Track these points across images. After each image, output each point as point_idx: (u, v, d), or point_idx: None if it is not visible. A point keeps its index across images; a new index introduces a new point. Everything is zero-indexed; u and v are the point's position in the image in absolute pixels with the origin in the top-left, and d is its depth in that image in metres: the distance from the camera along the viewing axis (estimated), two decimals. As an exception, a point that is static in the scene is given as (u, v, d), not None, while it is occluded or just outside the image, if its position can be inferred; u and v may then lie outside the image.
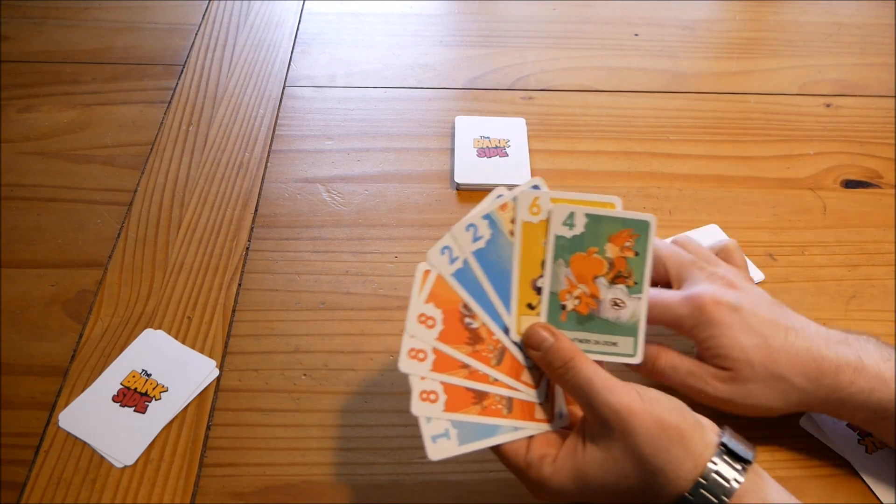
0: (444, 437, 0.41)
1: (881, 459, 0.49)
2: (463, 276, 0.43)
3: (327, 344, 0.55)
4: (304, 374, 0.53)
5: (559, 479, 0.41)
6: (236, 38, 0.81)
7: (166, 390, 0.52)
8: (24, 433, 0.50)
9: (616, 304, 0.43)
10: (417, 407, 0.41)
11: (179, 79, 0.76)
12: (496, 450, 0.43)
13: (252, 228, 0.63)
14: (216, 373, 0.53)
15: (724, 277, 0.49)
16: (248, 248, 0.61)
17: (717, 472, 0.39)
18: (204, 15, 0.84)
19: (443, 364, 0.42)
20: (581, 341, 0.43)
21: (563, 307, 0.43)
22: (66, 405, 0.51)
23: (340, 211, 0.64)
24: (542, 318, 0.43)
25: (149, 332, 0.55)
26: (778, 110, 0.76)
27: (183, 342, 0.55)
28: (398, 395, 0.53)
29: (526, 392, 0.43)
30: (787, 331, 0.46)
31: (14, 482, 0.47)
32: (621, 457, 0.40)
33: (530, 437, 0.43)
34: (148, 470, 0.48)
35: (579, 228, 0.43)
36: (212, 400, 0.52)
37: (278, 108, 0.73)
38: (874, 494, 0.48)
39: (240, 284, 0.59)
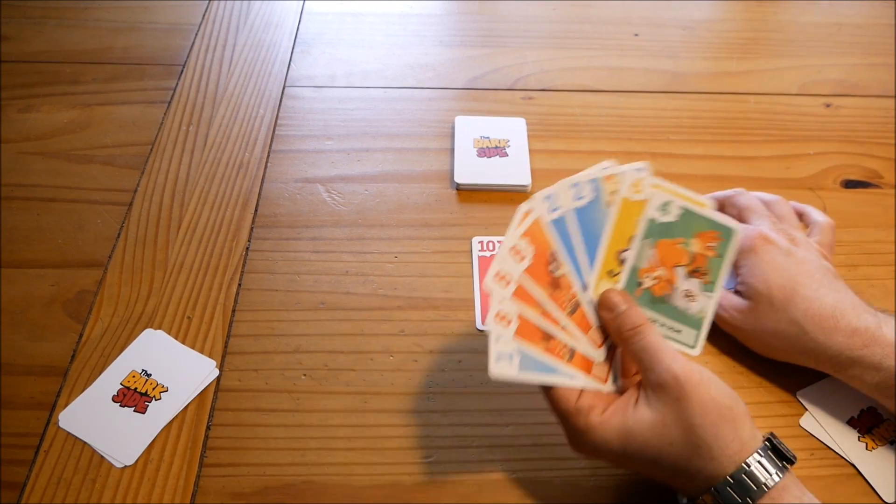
0: (507, 359, 0.43)
1: (882, 457, 0.49)
2: (559, 226, 0.45)
3: (327, 344, 0.55)
4: (304, 374, 0.53)
5: (604, 432, 0.42)
6: (236, 38, 0.81)
7: (166, 390, 0.52)
8: (24, 433, 0.50)
9: (688, 296, 0.46)
10: (492, 324, 0.43)
11: (179, 79, 0.76)
12: (548, 391, 0.44)
13: (252, 228, 0.63)
14: (216, 373, 0.53)
15: (789, 233, 0.50)
16: (248, 248, 0.61)
17: (760, 463, 0.41)
18: (204, 15, 0.84)
19: (522, 296, 0.44)
20: (649, 319, 0.45)
21: (640, 283, 0.46)
22: (66, 405, 0.51)
23: (340, 211, 0.64)
24: (620, 287, 0.46)
25: (149, 332, 0.55)
26: (778, 110, 0.76)
27: (183, 342, 0.55)
28: (398, 395, 0.53)
29: (589, 348, 0.45)
30: (821, 286, 0.48)
31: (14, 482, 0.47)
32: (671, 422, 0.41)
33: (581, 389, 0.44)
34: (148, 470, 0.48)
35: (672, 217, 0.46)
36: (212, 400, 0.52)
37: (278, 108, 0.73)
38: (875, 493, 0.48)
39: (240, 284, 0.59)
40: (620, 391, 0.46)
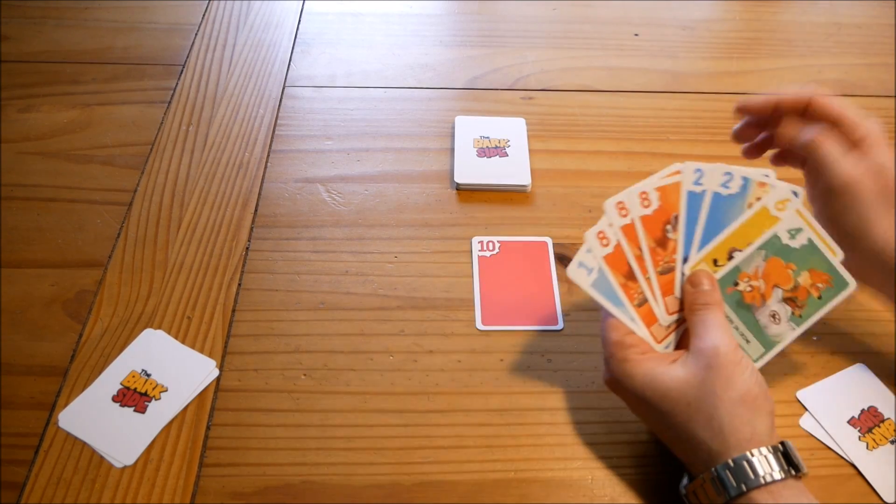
0: (588, 271, 0.46)
1: (882, 457, 0.49)
2: (694, 199, 0.48)
3: (327, 344, 0.55)
4: (304, 374, 0.53)
5: (633, 368, 0.45)
6: (236, 38, 0.81)
7: (166, 390, 0.52)
8: (24, 433, 0.50)
9: (773, 317, 0.48)
10: (591, 236, 0.46)
11: (179, 79, 0.76)
12: (607, 318, 0.47)
13: (252, 228, 0.63)
14: (216, 373, 0.53)
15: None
16: (247, 248, 0.61)
17: (765, 458, 0.41)
18: (204, 15, 0.84)
19: (629, 233, 0.47)
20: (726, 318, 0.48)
21: (736, 284, 0.48)
22: (65, 405, 0.51)
23: (340, 211, 0.64)
24: (716, 277, 0.48)
25: (149, 332, 0.55)
26: (778, 110, 0.76)
27: (183, 342, 0.55)
28: (398, 395, 0.53)
29: (660, 308, 0.48)
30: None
31: (14, 482, 0.47)
32: (696, 384, 0.43)
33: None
34: (148, 470, 0.48)
35: (796, 244, 0.47)
36: (212, 400, 0.52)
37: (278, 108, 0.73)
38: (875, 493, 0.48)
39: (240, 284, 0.59)
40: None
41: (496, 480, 0.49)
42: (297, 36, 0.82)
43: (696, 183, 0.48)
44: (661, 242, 0.48)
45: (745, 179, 0.48)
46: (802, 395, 0.53)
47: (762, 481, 0.40)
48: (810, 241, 0.47)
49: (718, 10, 0.90)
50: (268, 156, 0.69)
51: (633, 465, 0.50)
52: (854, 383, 0.54)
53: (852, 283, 0.47)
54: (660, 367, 0.45)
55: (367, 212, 0.64)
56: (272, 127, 0.71)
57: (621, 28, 0.85)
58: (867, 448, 0.50)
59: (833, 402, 0.52)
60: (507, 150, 0.69)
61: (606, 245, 0.47)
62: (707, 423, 0.42)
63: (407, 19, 0.85)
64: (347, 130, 0.72)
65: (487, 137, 0.70)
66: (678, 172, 0.48)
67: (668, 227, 0.48)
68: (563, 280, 0.60)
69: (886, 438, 0.50)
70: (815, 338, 0.57)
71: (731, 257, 0.48)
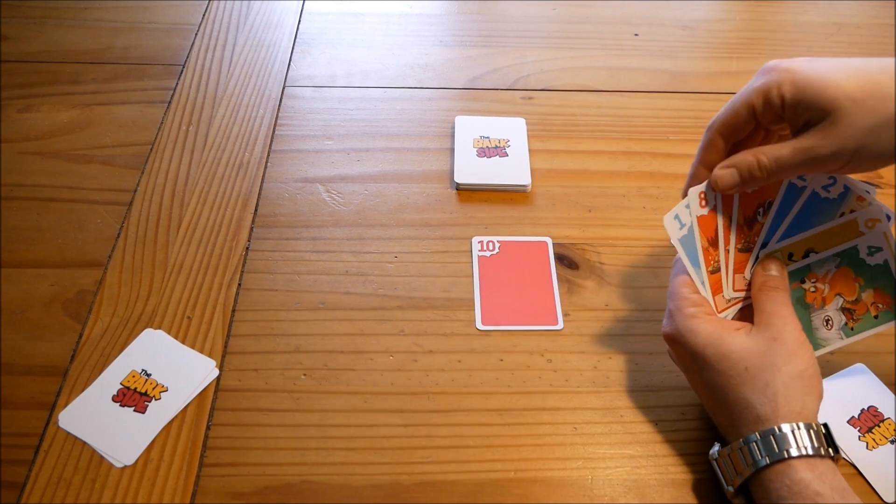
0: (681, 226, 0.48)
1: (882, 457, 0.49)
2: (792, 192, 0.49)
3: (327, 344, 0.55)
4: (304, 374, 0.53)
5: (698, 325, 0.46)
6: (236, 38, 0.81)
7: (166, 390, 0.52)
8: (24, 433, 0.50)
9: (826, 322, 0.50)
10: (693, 193, 0.48)
11: (179, 79, 0.76)
12: (681, 275, 0.48)
13: (252, 228, 0.63)
14: (216, 373, 0.53)
15: None
16: (247, 248, 0.61)
17: (810, 434, 0.42)
18: (204, 15, 0.84)
19: (725, 203, 0.49)
20: None
21: (802, 281, 0.50)
22: (65, 405, 0.51)
23: (340, 211, 0.64)
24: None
25: (149, 331, 0.55)
26: (778, 110, 0.76)
27: (183, 342, 0.55)
28: (398, 395, 0.53)
29: (729, 282, 0.50)
30: (872, 59, 0.43)
31: (14, 482, 0.47)
32: (758, 352, 0.44)
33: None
34: (148, 470, 0.48)
35: (872, 261, 0.49)
36: (211, 400, 0.52)
37: (278, 108, 0.73)
38: (875, 493, 0.48)
39: (240, 284, 0.59)
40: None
41: (496, 480, 0.49)
42: (297, 36, 0.82)
43: (801, 178, 0.49)
44: (749, 223, 0.49)
45: (847, 189, 0.48)
46: (802, 395, 0.53)
47: (804, 452, 0.41)
48: (886, 262, 0.48)
49: (718, 10, 0.90)
50: (268, 156, 0.69)
51: (633, 465, 0.50)
52: (854, 383, 0.54)
53: None
54: (725, 329, 0.46)
55: (367, 212, 0.64)
56: (272, 127, 0.71)
57: (621, 28, 0.85)
58: (867, 448, 0.50)
59: (833, 402, 0.52)
60: (507, 150, 0.69)
61: (703, 207, 0.48)
62: (762, 389, 0.43)
63: (407, 19, 0.85)
64: (347, 130, 0.72)
65: (487, 137, 0.70)
66: None
67: (761, 209, 0.49)
68: (563, 280, 0.60)
69: (886, 438, 0.50)
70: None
71: (806, 256, 0.50)
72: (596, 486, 0.49)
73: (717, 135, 0.47)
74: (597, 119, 0.74)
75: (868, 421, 0.51)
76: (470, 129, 0.71)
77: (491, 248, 0.62)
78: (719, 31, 0.86)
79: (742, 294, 0.50)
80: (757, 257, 0.50)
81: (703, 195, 0.48)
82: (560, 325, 0.57)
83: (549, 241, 0.62)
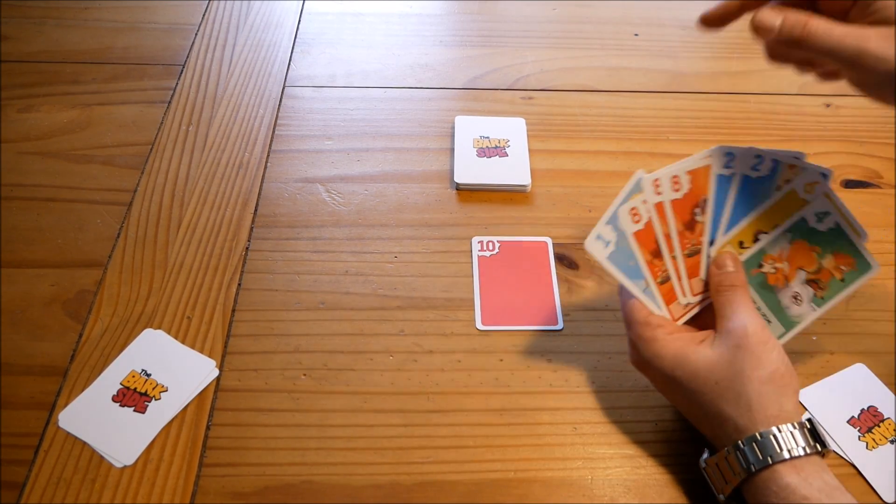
0: (604, 243, 0.46)
1: (882, 457, 0.49)
2: (723, 182, 0.48)
3: (327, 344, 0.55)
4: (304, 374, 0.53)
5: (662, 348, 0.46)
6: (236, 38, 0.81)
7: (166, 390, 0.52)
8: (24, 433, 0.50)
9: (795, 298, 0.49)
10: (624, 210, 0.46)
11: (179, 79, 0.76)
12: (628, 300, 0.47)
13: (252, 228, 0.63)
14: (216, 373, 0.53)
15: None
16: (247, 248, 0.61)
17: (791, 433, 0.42)
18: (204, 15, 0.84)
19: (660, 214, 0.47)
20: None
21: (761, 266, 0.49)
22: (65, 405, 0.51)
23: (340, 211, 0.64)
24: (741, 259, 0.49)
25: (148, 331, 0.55)
26: (778, 110, 0.76)
27: (183, 342, 0.55)
28: (398, 395, 0.53)
29: (683, 288, 0.49)
30: None
31: (14, 482, 0.47)
32: (725, 363, 0.44)
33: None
34: (148, 470, 0.48)
35: (823, 227, 0.48)
36: (211, 400, 0.52)
37: (278, 108, 0.73)
38: (875, 493, 0.48)
39: (239, 284, 0.59)
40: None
41: (496, 480, 0.49)
42: (297, 36, 0.82)
43: (727, 167, 0.48)
44: (690, 226, 0.48)
45: (776, 162, 0.48)
46: (802, 395, 0.53)
47: (787, 455, 0.41)
48: (837, 225, 0.47)
49: (718, 10, 0.90)
50: (268, 156, 0.69)
51: (633, 465, 0.50)
52: (854, 383, 0.54)
53: (876, 265, 0.47)
54: (689, 346, 0.45)
55: (367, 212, 0.64)
56: (272, 127, 0.71)
57: (621, 28, 0.85)
58: (867, 448, 0.50)
59: (833, 402, 0.52)
60: (507, 150, 0.69)
61: (637, 222, 0.47)
62: (735, 400, 0.43)
63: (407, 19, 0.85)
64: (347, 130, 0.72)
65: (487, 137, 0.70)
66: (709, 157, 0.48)
67: (697, 210, 0.48)
68: (563, 280, 0.60)
69: (886, 438, 0.50)
70: (813, 338, 0.57)
71: (756, 240, 0.49)
72: (596, 486, 0.49)
73: None
74: (597, 119, 0.74)
75: (868, 421, 0.51)
76: (470, 129, 0.71)
77: (491, 248, 0.62)
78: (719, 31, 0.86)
79: (700, 296, 0.50)
80: (709, 256, 0.49)
81: (634, 211, 0.46)
82: (560, 325, 0.57)
83: (549, 241, 0.62)
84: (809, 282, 0.49)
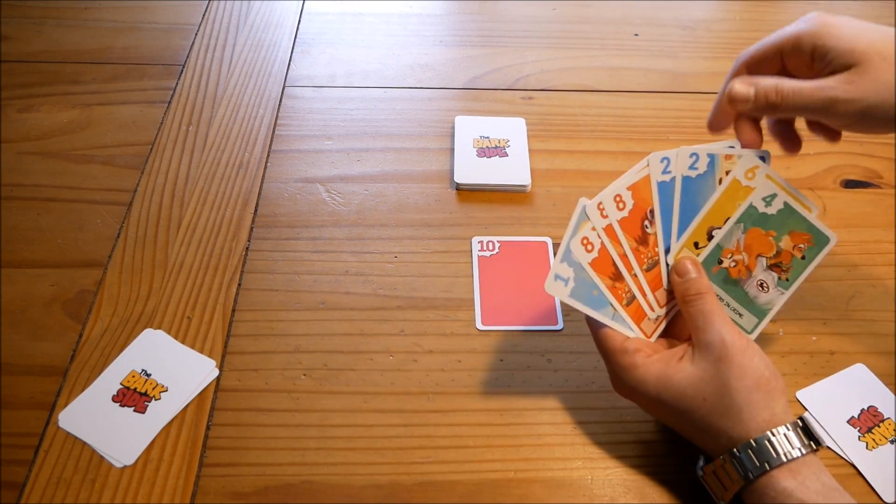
0: (563, 281, 0.45)
1: (882, 457, 0.49)
2: (665, 189, 0.48)
3: (327, 344, 0.55)
4: (304, 374, 0.53)
5: (644, 373, 0.45)
6: (236, 38, 0.81)
7: (166, 390, 0.52)
8: (24, 433, 0.50)
9: (761, 286, 0.48)
10: (575, 243, 0.45)
11: (179, 79, 0.76)
12: (598, 329, 0.47)
13: (252, 228, 0.63)
14: (216, 373, 0.53)
15: None
16: (247, 248, 0.61)
17: (785, 436, 0.42)
18: (204, 15, 0.84)
19: (610, 235, 0.47)
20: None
21: (720, 262, 0.49)
22: (65, 405, 0.51)
23: (340, 211, 0.64)
24: (700, 260, 0.48)
25: (148, 331, 0.55)
26: (778, 110, 0.76)
27: (183, 342, 0.55)
28: (398, 395, 0.53)
29: (650, 303, 0.48)
30: None
31: (14, 482, 0.47)
32: (709, 379, 0.43)
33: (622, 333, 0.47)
34: (148, 470, 0.48)
35: (773, 210, 0.47)
36: (211, 400, 0.52)
37: (278, 108, 0.73)
38: (875, 493, 0.48)
39: (240, 284, 0.59)
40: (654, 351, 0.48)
41: (496, 480, 0.49)
42: (297, 36, 0.82)
43: (665, 172, 0.48)
44: (642, 240, 0.48)
45: (711, 156, 0.48)
46: (802, 395, 0.53)
47: (784, 458, 0.41)
48: (786, 204, 0.47)
49: (718, 10, 0.90)
50: (268, 156, 0.69)
51: (633, 465, 0.50)
52: (854, 383, 0.54)
53: (833, 236, 0.47)
54: (670, 367, 0.45)
55: (367, 212, 0.64)
56: (272, 127, 0.71)
57: (621, 28, 0.85)
58: (867, 448, 0.50)
59: (833, 402, 0.52)
60: (507, 150, 0.69)
61: (591, 251, 0.46)
62: (726, 413, 0.43)
63: (407, 19, 0.85)
64: (347, 130, 0.72)
65: (487, 137, 0.70)
66: (644, 167, 0.48)
67: (646, 222, 0.48)
68: (563, 280, 0.60)
69: (886, 438, 0.50)
70: (813, 338, 0.57)
71: (710, 237, 0.48)
72: (596, 486, 0.49)
73: (743, 67, 0.48)
74: (597, 119, 0.74)
75: (868, 421, 0.51)
76: (470, 129, 0.71)
77: (491, 248, 0.62)
78: (719, 31, 0.86)
79: (668, 307, 0.49)
80: (667, 265, 0.49)
81: (585, 240, 0.46)
82: (560, 325, 0.57)
83: (549, 241, 0.62)
84: (772, 266, 0.48)
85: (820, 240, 0.47)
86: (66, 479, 0.48)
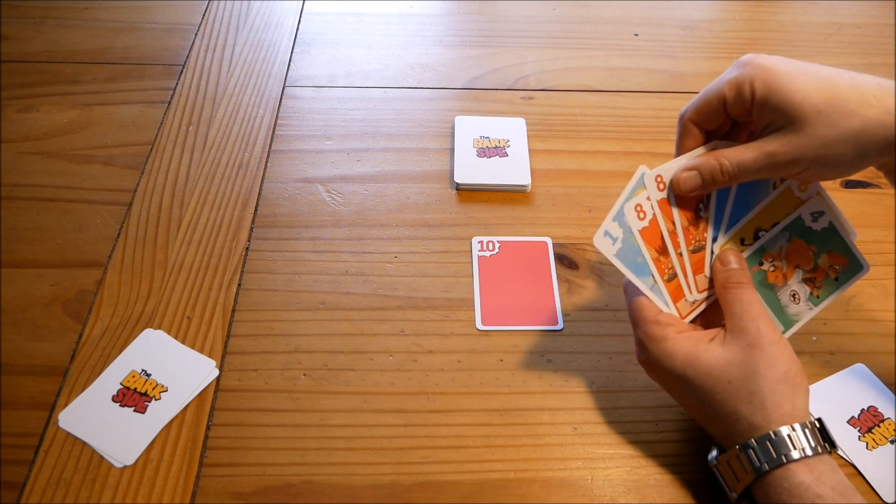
0: (611, 239, 0.46)
1: (882, 457, 0.49)
2: None
3: (327, 344, 0.55)
4: (304, 374, 0.53)
5: (673, 347, 0.46)
6: (236, 38, 0.81)
7: (166, 390, 0.52)
8: (24, 433, 0.50)
9: (793, 296, 0.49)
10: (629, 207, 0.46)
11: (179, 79, 0.76)
12: (635, 298, 0.47)
13: (252, 228, 0.63)
14: (216, 373, 0.53)
15: None
16: (247, 248, 0.61)
17: (804, 432, 0.42)
18: (204, 15, 0.84)
19: (664, 208, 0.47)
20: None
21: (761, 263, 0.50)
22: (65, 405, 0.51)
23: (340, 211, 0.64)
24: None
25: (148, 332, 0.55)
26: (778, 110, 0.76)
27: (183, 342, 0.55)
28: (398, 395, 0.53)
29: (689, 285, 0.49)
30: (845, 72, 0.45)
31: (14, 482, 0.47)
32: (738, 363, 0.44)
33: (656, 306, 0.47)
34: (148, 470, 0.48)
35: (818, 227, 0.49)
36: (211, 400, 0.52)
37: (278, 108, 0.73)
38: (875, 493, 0.48)
39: (239, 284, 0.59)
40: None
41: (496, 480, 0.49)
42: (297, 36, 0.82)
43: None
44: (693, 222, 0.49)
45: None
46: (802, 395, 0.53)
47: (801, 454, 0.41)
48: (831, 224, 0.48)
49: (718, 10, 0.90)
50: (268, 156, 0.69)
51: (633, 465, 0.50)
52: (854, 383, 0.54)
53: (866, 265, 0.48)
54: (700, 345, 0.45)
55: (367, 212, 0.64)
56: (272, 127, 0.71)
57: (621, 28, 0.85)
58: (867, 448, 0.50)
59: (833, 402, 0.52)
60: (507, 150, 0.69)
61: (643, 219, 0.47)
62: (749, 399, 0.43)
63: (407, 19, 0.85)
64: (347, 130, 0.72)
65: (487, 137, 0.70)
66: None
67: (700, 205, 0.49)
68: (563, 280, 0.60)
69: (886, 438, 0.50)
70: (813, 338, 0.57)
71: (756, 237, 0.49)
72: (596, 486, 0.49)
73: (689, 123, 0.48)
74: (597, 119, 0.74)
75: (868, 421, 0.51)
76: (470, 129, 0.71)
77: (491, 248, 0.62)
78: (719, 31, 0.86)
79: (706, 293, 0.50)
80: (712, 252, 0.49)
81: (638, 207, 0.46)
82: (560, 325, 0.57)
83: (549, 241, 0.62)
84: (806, 280, 0.49)
85: (854, 266, 0.48)
86: (66, 480, 0.48)
